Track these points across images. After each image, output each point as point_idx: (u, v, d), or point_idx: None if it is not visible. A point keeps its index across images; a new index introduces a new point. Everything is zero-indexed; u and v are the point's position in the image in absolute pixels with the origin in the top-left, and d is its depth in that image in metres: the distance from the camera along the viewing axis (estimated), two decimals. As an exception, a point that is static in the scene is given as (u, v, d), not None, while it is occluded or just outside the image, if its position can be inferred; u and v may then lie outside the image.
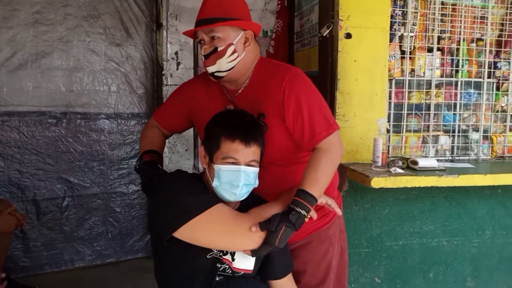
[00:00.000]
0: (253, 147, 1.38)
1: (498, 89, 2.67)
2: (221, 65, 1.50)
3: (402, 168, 2.20)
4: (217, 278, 1.39)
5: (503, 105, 2.69)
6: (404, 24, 2.49)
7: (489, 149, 2.68)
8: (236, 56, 1.50)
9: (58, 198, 3.27)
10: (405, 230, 2.48)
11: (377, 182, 2.04)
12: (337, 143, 1.52)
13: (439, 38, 2.57)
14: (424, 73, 2.55)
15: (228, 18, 1.47)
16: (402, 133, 2.52)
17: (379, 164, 2.19)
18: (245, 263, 1.41)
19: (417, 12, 2.51)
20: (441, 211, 2.51)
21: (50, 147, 3.23)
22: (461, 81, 2.60)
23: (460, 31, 2.58)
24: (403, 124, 2.52)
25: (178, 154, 3.46)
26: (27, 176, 3.16)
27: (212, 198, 1.37)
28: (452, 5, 2.55)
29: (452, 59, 2.60)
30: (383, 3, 2.38)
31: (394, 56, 2.49)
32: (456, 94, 2.60)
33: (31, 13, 3.11)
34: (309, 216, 1.38)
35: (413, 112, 2.54)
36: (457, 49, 2.60)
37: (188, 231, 1.31)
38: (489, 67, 2.64)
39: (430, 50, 2.56)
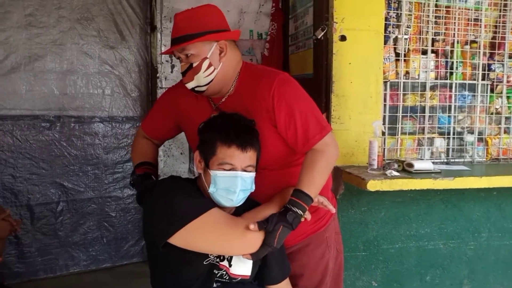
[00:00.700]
0: (250, 152, 1.36)
1: (492, 91, 2.68)
2: (199, 80, 1.49)
3: (397, 171, 2.19)
4: (214, 285, 1.37)
5: (497, 107, 2.69)
6: (398, 27, 2.49)
7: (484, 151, 2.68)
8: (212, 69, 1.49)
9: (52, 203, 3.24)
10: (402, 233, 2.47)
11: (373, 185, 2.04)
12: (332, 143, 1.52)
13: (433, 40, 2.57)
14: (418, 75, 2.55)
15: (197, 34, 1.46)
16: (398, 135, 2.52)
17: (375, 166, 2.18)
18: (242, 268, 1.40)
19: (411, 15, 2.51)
20: (437, 214, 2.51)
21: (44, 151, 3.21)
22: (456, 83, 2.60)
23: (454, 33, 2.58)
24: (398, 127, 2.51)
25: (173, 158, 3.44)
26: (20, 181, 3.14)
27: (207, 203, 1.36)
28: (446, 7, 2.55)
29: (447, 61, 2.60)
30: (377, 6, 2.38)
31: (389, 58, 2.48)
32: (450, 97, 2.60)
33: (23, 16, 3.08)
34: (305, 216, 1.38)
35: (408, 114, 2.54)
36: (451, 51, 2.60)
37: (183, 237, 1.29)
38: (483, 69, 2.64)
39: (424, 52, 2.56)
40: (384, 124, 2.46)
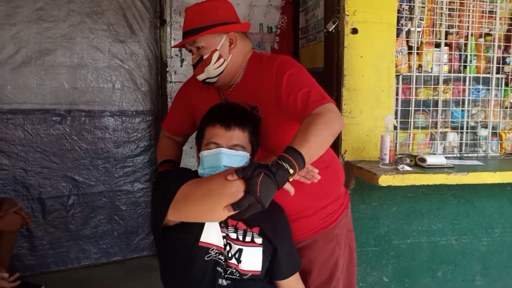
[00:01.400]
0: (236, 131, 1.35)
1: (507, 84, 2.63)
2: (210, 72, 1.53)
3: (410, 166, 2.17)
4: (225, 283, 1.36)
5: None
6: (411, 19, 2.45)
7: (498, 146, 2.64)
8: (222, 61, 1.52)
9: (63, 196, 3.26)
10: (413, 229, 2.45)
11: (385, 180, 2.02)
12: (334, 111, 1.40)
13: (447, 33, 2.53)
14: (431, 68, 2.52)
15: (207, 27, 1.49)
16: (410, 130, 2.49)
17: (387, 161, 2.16)
18: (252, 264, 1.39)
19: (424, 7, 2.47)
20: (449, 209, 2.48)
21: (55, 145, 3.23)
22: (469, 77, 2.57)
23: (468, 26, 2.54)
24: (410, 121, 2.48)
25: (183, 152, 3.44)
26: (32, 175, 3.16)
27: (191, 175, 1.36)
28: (460, -1, 2.51)
29: (460, 55, 2.56)
30: (389, -2, 2.35)
31: (401, 51, 2.45)
32: (464, 90, 2.57)
33: (34, 10, 3.09)
34: (292, 177, 1.23)
35: (421, 108, 2.51)
36: (465, 44, 2.55)
37: (175, 210, 1.27)
38: (498, 63, 2.60)
39: (437, 45, 2.52)
40: (396, 118, 2.43)
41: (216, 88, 1.62)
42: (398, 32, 2.42)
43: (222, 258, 1.35)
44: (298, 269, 1.52)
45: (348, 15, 2.29)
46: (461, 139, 2.58)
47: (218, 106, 1.44)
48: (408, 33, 2.47)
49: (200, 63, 1.53)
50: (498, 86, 2.61)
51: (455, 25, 2.52)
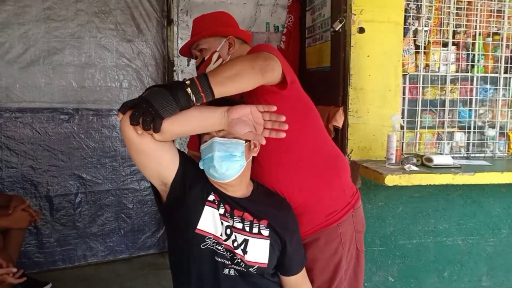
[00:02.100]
0: None
1: (515, 84, 2.62)
2: None
3: (416, 166, 2.16)
4: (232, 273, 1.37)
5: (520, 100, 2.63)
6: (418, 18, 2.44)
7: (506, 146, 2.62)
8: (221, 61, 1.66)
9: (71, 194, 3.29)
10: (419, 229, 2.44)
11: (391, 180, 2.01)
12: (262, 55, 1.37)
13: (454, 32, 2.52)
14: (439, 68, 2.51)
15: (208, 31, 1.69)
16: (417, 129, 2.48)
17: (393, 161, 2.16)
18: (258, 256, 1.39)
19: (431, 6, 2.46)
20: (456, 209, 2.47)
21: (63, 144, 3.25)
22: (477, 77, 2.56)
23: (476, 25, 2.53)
24: (417, 121, 2.48)
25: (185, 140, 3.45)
26: (40, 173, 3.19)
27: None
28: (468, -2, 2.50)
29: (468, 54, 2.55)
30: (397, -3, 2.34)
31: (408, 51, 2.44)
32: (471, 90, 2.55)
33: (42, 9, 3.11)
34: (196, 96, 1.20)
35: (428, 108, 2.50)
36: (473, 44, 2.54)
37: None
38: (506, 62, 2.59)
39: (445, 44, 2.52)
40: (403, 118, 2.42)
41: None
42: (405, 31, 2.41)
43: (220, 248, 1.36)
44: (305, 263, 1.53)
45: (355, 14, 2.29)
46: (468, 139, 2.57)
47: (207, 103, 1.39)
48: (416, 32, 2.46)
49: (202, 64, 1.67)
50: (506, 86, 2.60)
51: (463, 24, 2.51)
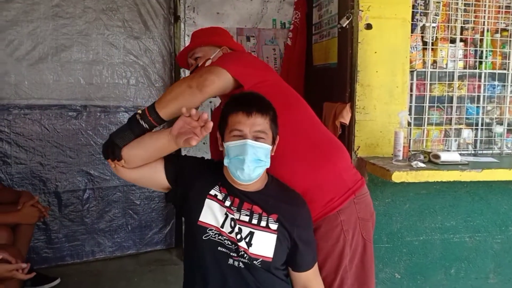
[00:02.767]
0: (258, 118, 1.39)
1: (523, 81, 2.60)
2: None
3: (423, 162, 2.16)
4: (237, 264, 1.39)
5: (528, 97, 2.62)
6: (426, 14, 2.43)
7: (514, 142, 2.61)
8: None
9: (79, 190, 3.31)
10: (426, 226, 2.44)
11: (398, 177, 2.01)
12: (202, 72, 1.52)
13: (462, 29, 2.51)
14: (446, 64, 2.50)
15: (203, 41, 1.89)
16: (424, 126, 2.48)
17: (400, 158, 2.15)
18: (262, 249, 1.40)
19: (439, 2, 2.45)
20: (463, 206, 2.46)
21: (71, 140, 3.27)
22: (485, 73, 2.54)
23: (484, 21, 2.51)
24: (424, 117, 2.47)
25: (196, 147, 3.47)
26: (48, 169, 3.21)
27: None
28: (476, -6, 2.48)
29: (476, 50, 2.53)
30: (404, -7, 2.33)
31: (416, 47, 2.44)
32: (479, 86, 2.54)
33: (50, 7, 3.13)
34: (145, 121, 1.42)
35: (435, 104, 2.49)
36: (481, 40, 2.53)
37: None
38: (514, 58, 2.57)
39: (453, 41, 2.50)
40: (410, 114, 2.42)
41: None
42: (413, 28, 2.41)
43: (223, 239, 1.38)
44: (317, 260, 1.52)
45: (362, 11, 2.29)
46: (475, 136, 2.56)
47: (239, 95, 1.47)
48: (423, 28, 2.45)
49: (195, 70, 1.81)
50: (514, 83, 2.58)
51: (471, 20, 2.50)
